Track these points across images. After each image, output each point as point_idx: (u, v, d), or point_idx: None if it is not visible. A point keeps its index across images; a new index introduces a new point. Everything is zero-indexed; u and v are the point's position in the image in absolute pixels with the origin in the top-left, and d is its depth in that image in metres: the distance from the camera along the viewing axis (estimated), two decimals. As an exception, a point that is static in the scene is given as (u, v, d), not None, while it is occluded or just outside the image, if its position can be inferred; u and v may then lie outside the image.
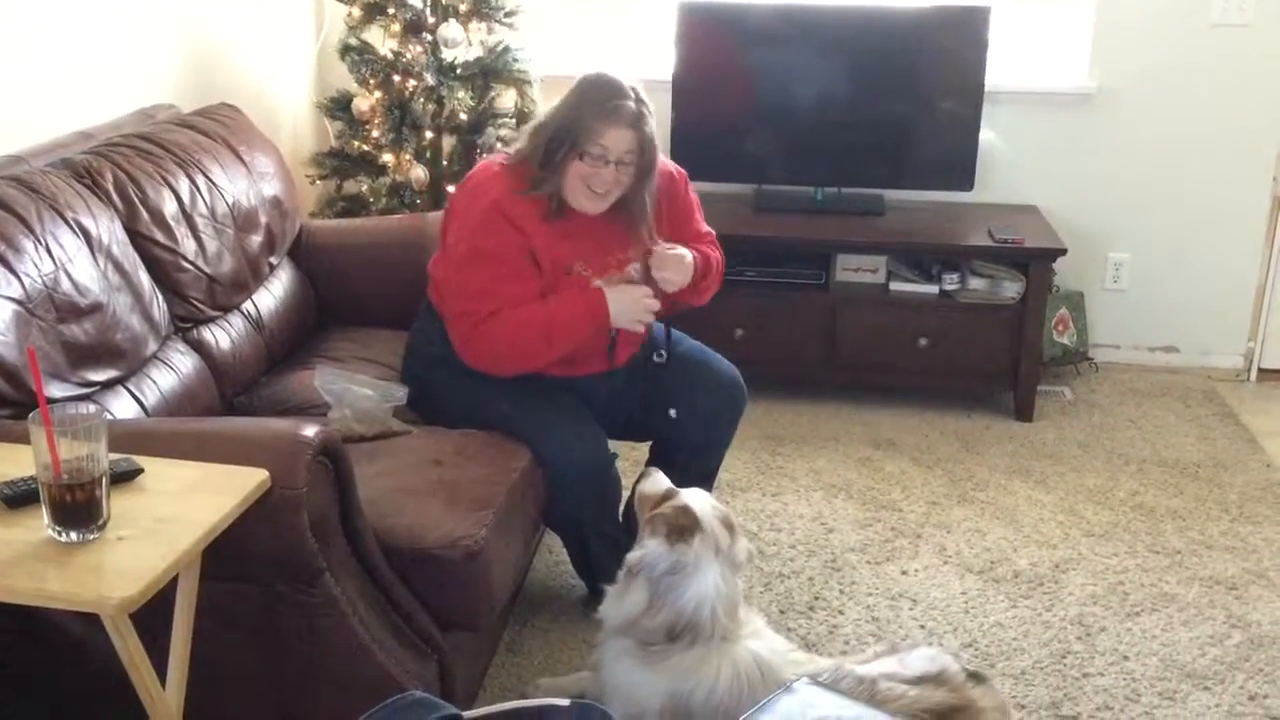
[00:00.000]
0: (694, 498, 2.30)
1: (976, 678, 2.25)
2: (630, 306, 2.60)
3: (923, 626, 2.82)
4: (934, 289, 4.03)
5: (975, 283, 4.01)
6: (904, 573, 3.05)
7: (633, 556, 2.24)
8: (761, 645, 2.23)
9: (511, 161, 2.62)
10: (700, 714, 2.14)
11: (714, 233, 2.89)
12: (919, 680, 2.17)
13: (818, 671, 2.17)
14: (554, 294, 2.59)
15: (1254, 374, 4.44)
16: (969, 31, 4.02)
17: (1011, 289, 3.96)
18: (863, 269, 4.10)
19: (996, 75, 4.10)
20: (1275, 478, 3.62)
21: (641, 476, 2.44)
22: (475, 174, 2.69)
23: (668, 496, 2.31)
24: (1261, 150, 4.25)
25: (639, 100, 2.53)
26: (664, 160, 2.72)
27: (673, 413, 2.76)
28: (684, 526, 2.21)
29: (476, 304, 2.55)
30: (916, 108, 4.16)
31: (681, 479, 2.71)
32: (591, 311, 2.58)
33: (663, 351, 2.78)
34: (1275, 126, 4.22)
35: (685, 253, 2.69)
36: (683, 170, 2.84)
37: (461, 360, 2.64)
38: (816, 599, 2.92)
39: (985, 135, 4.16)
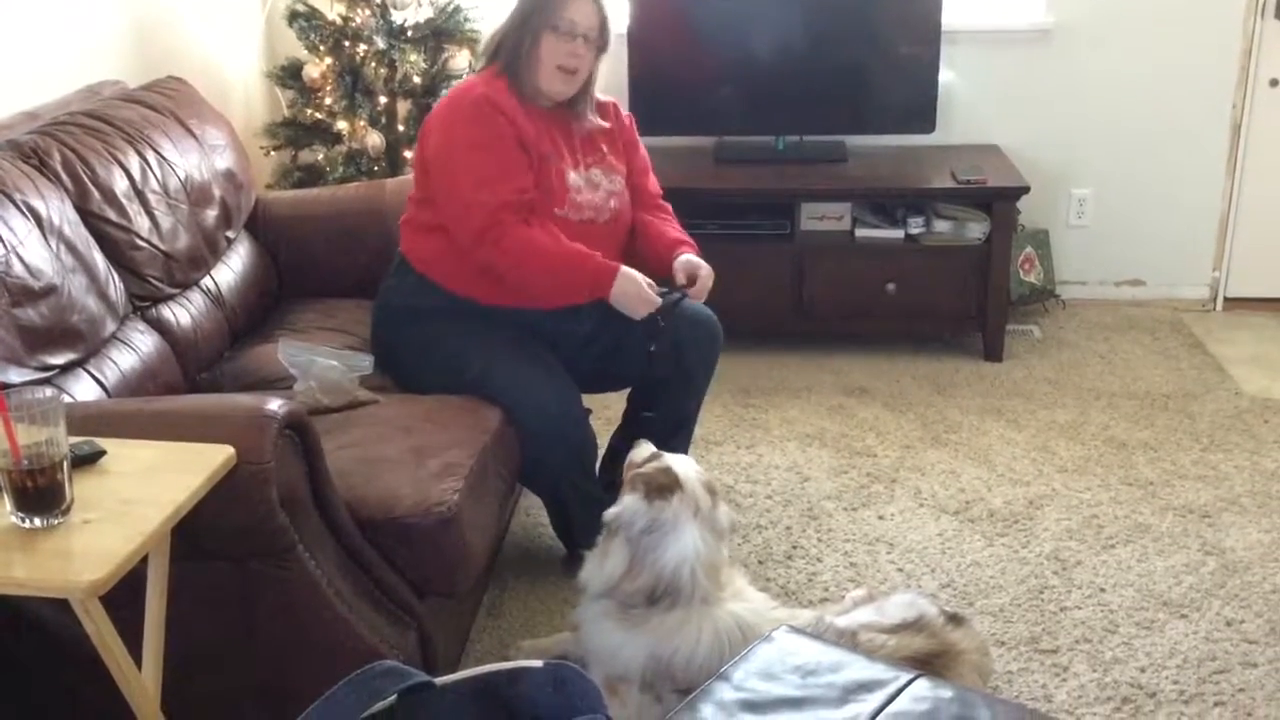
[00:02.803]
0: (676, 460, 2.30)
1: (955, 620, 2.27)
2: (633, 295, 2.64)
3: (901, 570, 2.83)
4: (899, 234, 4.02)
5: (940, 225, 4.00)
6: (880, 517, 3.06)
7: (610, 513, 2.24)
8: (743, 606, 2.24)
9: (483, 69, 2.73)
10: (681, 677, 2.15)
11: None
12: (898, 628, 2.19)
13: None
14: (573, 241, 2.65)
15: (1219, 303, 4.46)
16: (924, -29, 4.00)
17: (976, 230, 3.95)
18: (827, 217, 4.08)
19: (953, 15, 4.09)
20: (1244, 405, 3.64)
21: (632, 447, 2.44)
22: (450, 91, 2.81)
23: (651, 460, 2.31)
24: (1219, 78, 4.25)
25: None
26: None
27: (651, 346, 2.76)
28: (663, 485, 2.21)
29: (485, 193, 2.58)
30: (875, 51, 4.14)
31: (661, 425, 2.73)
32: (596, 276, 2.62)
33: (653, 347, 2.78)
34: (1231, 54, 4.22)
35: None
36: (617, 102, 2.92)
37: (459, 267, 2.67)
38: (795, 548, 2.93)
39: (944, 76, 4.15)
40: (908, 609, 2.25)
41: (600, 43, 2.69)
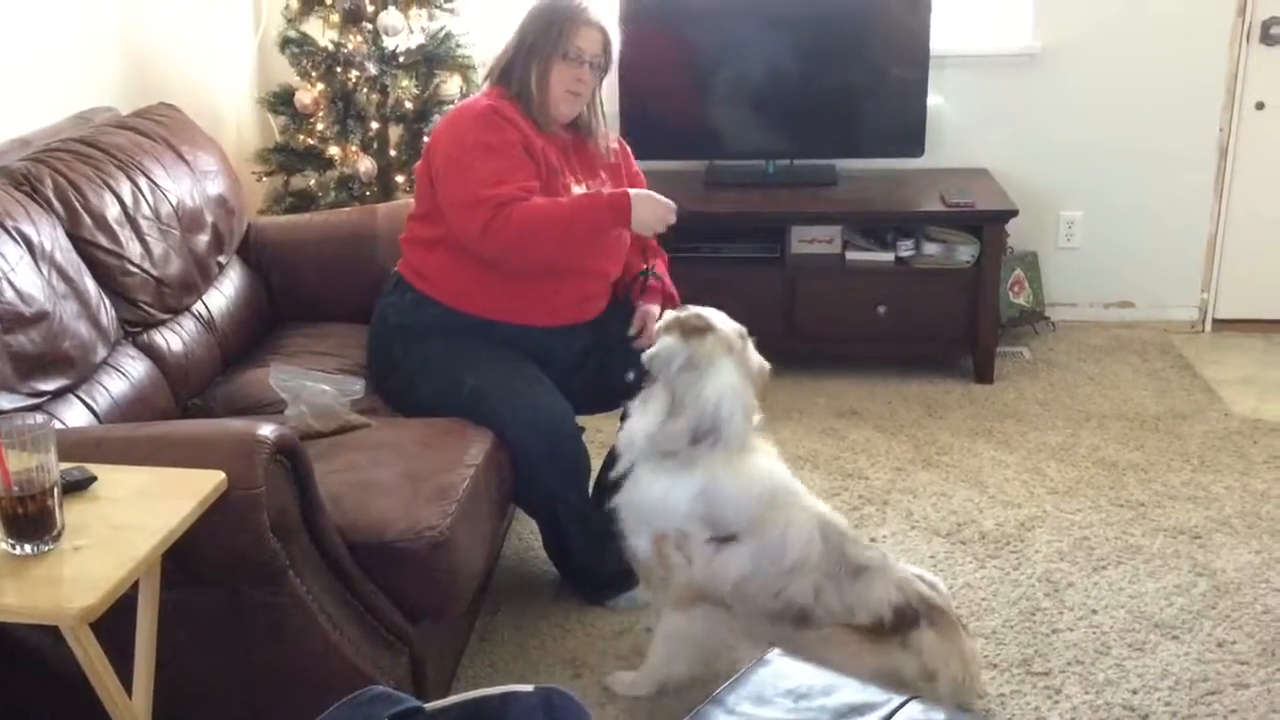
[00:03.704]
0: (705, 309, 2.39)
1: (963, 626, 2.35)
2: (652, 213, 2.69)
3: (893, 592, 2.83)
4: (889, 257, 4.04)
5: (930, 248, 4.02)
6: (872, 539, 3.05)
7: (648, 354, 2.32)
8: (778, 467, 2.35)
9: (487, 90, 2.77)
10: (719, 516, 2.23)
11: None
12: (922, 579, 2.32)
13: (825, 523, 2.30)
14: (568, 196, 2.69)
15: (1209, 325, 4.49)
16: (912, -3, 4.03)
17: (966, 253, 3.97)
18: (818, 240, 4.10)
19: (941, 39, 4.11)
20: (1234, 426, 3.66)
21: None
22: (455, 107, 2.86)
23: (680, 311, 2.41)
24: (1205, 102, 4.28)
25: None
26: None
27: (630, 375, 2.77)
28: (697, 327, 2.30)
29: (493, 189, 2.60)
30: (864, 75, 4.16)
31: None
32: (613, 207, 2.65)
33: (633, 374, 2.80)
34: (1218, 78, 4.26)
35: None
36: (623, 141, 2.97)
37: (461, 281, 2.71)
38: (787, 571, 2.93)
39: (933, 100, 4.17)
40: (935, 586, 2.36)
41: (603, 64, 2.76)
